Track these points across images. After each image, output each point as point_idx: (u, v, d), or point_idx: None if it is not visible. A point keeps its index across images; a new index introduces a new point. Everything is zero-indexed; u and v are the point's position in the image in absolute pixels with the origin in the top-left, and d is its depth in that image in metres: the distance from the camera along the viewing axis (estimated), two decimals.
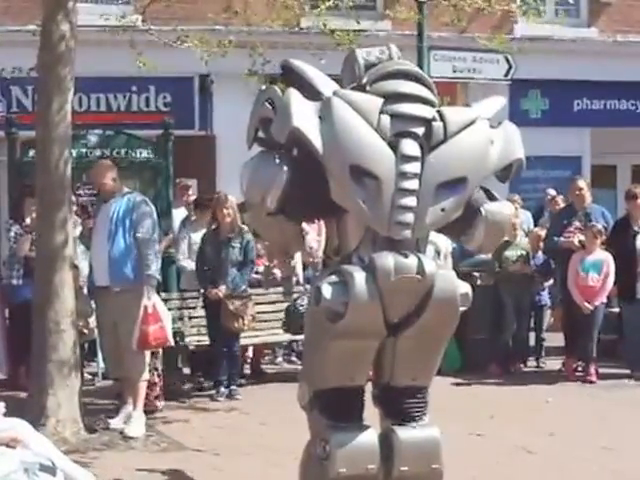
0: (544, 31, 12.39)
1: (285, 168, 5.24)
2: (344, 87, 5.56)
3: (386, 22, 14.13)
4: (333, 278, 5.24)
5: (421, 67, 13.19)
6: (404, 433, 5.39)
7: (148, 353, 8.54)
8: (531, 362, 11.55)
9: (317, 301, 5.22)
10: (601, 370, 10.75)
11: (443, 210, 5.36)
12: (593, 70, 16.11)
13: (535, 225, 13.37)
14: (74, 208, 9.16)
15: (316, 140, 5.13)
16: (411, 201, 5.24)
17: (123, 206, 8.36)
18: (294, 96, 5.18)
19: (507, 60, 14.29)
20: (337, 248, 5.63)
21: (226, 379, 9.76)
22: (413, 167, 5.26)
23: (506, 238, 11.33)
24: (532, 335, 11.61)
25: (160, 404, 9.03)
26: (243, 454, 7.47)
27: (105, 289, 8.34)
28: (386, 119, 5.24)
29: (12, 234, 10.12)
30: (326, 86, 5.34)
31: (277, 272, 10.91)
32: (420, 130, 5.32)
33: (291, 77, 5.55)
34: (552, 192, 13.59)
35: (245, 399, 9.60)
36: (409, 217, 5.26)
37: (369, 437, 5.36)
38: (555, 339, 11.56)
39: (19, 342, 9.38)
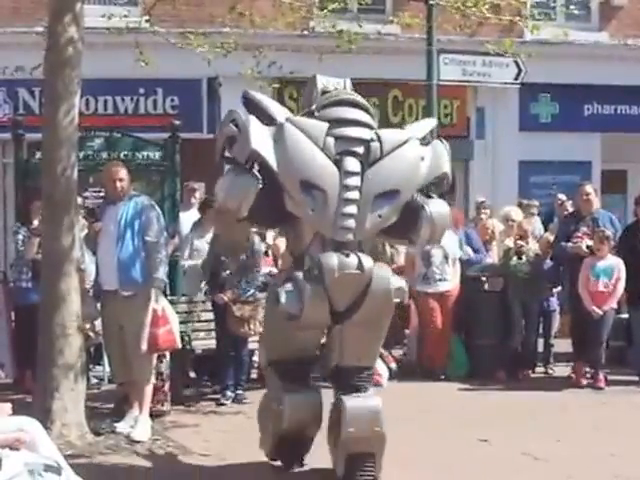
0: (554, 35, 12.32)
1: (257, 181, 6.30)
2: (304, 102, 6.88)
3: (395, 25, 14.09)
4: (289, 287, 6.39)
5: (430, 70, 13.22)
6: (350, 401, 6.55)
7: (154, 357, 8.51)
8: (539, 368, 11.49)
9: (275, 303, 6.43)
10: (609, 376, 10.69)
11: (380, 216, 6.46)
12: (604, 74, 16.05)
13: (546, 230, 13.31)
14: (81, 211, 9.14)
15: (271, 160, 6.23)
16: (353, 209, 6.35)
17: (131, 209, 8.32)
18: (253, 123, 6.27)
19: (517, 64, 14.26)
20: (293, 249, 6.83)
21: (233, 383, 9.72)
22: (354, 180, 6.36)
23: (511, 244, 11.30)
24: (540, 341, 11.54)
25: (165, 408, 9.00)
26: (249, 458, 7.42)
27: (113, 293, 8.30)
28: (331, 141, 6.36)
29: (20, 237, 10.08)
30: (279, 113, 6.47)
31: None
32: (360, 149, 6.43)
33: (251, 105, 6.59)
34: (562, 197, 13.52)
35: (252, 403, 9.54)
36: (351, 223, 6.36)
37: (315, 397, 6.80)
38: (563, 345, 11.51)
39: (25, 345, 9.36)
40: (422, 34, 13.28)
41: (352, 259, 6.33)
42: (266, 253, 10.42)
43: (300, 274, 6.41)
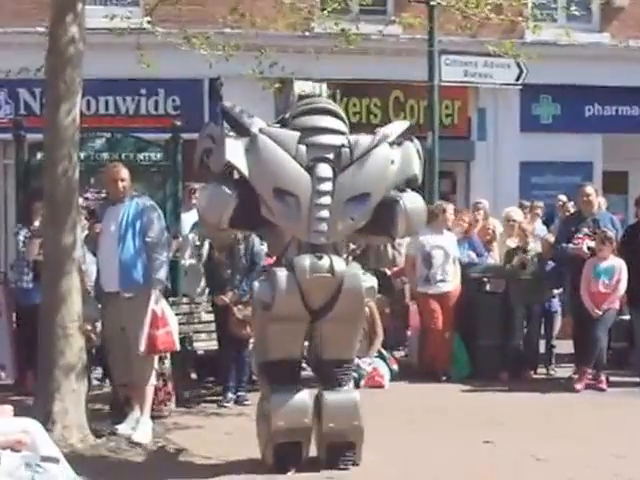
0: (555, 36, 12.32)
1: (234, 196, 6.71)
2: (280, 106, 7.62)
3: (396, 26, 14.08)
4: (262, 277, 7.03)
5: (432, 71, 13.21)
6: (329, 396, 6.99)
7: (156, 358, 8.49)
8: (541, 369, 11.46)
9: (251, 295, 7.06)
10: (611, 378, 10.66)
11: (352, 219, 6.88)
12: (605, 75, 16.05)
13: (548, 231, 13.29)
14: (82, 212, 9.11)
15: (244, 170, 6.70)
16: (325, 214, 6.76)
17: (132, 210, 8.31)
18: (227, 136, 6.76)
19: (518, 65, 14.27)
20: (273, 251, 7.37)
21: (234, 385, 9.70)
22: (326, 186, 6.77)
23: (517, 243, 11.29)
24: (542, 342, 11.52)
25: (166, 409, 8.98)
26: (252, 460, 7.38)
27: (114, 294, 8.27)
28: (303, 148, 6.77)
29: (21, 238, 10.07)
30: (254, 124, 6.85)
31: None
32: (331, 156, 6.83)
33: (228, 117, 7.08)
34: (563, 198, 13.50)
35: (253, 405, 9.51)
36: (324, 226, 6.77)
37: (302, 397, 6.93)
38: (565, 346, 11.48)
39: (26, 346, 9.34)
40: (423, 35, 13.28)
41: (324, 261, 6.76)
42: (268, 255, 10.40)
43: (274, 268, 6.96)
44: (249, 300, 9.50)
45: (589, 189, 11.34)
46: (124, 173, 8.42)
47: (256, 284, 6.93)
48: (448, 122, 16.26)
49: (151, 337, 8.11)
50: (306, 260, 6.74)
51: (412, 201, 7.06)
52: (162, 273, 8.27)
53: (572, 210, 12.36)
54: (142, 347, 8.10)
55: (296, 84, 7.31)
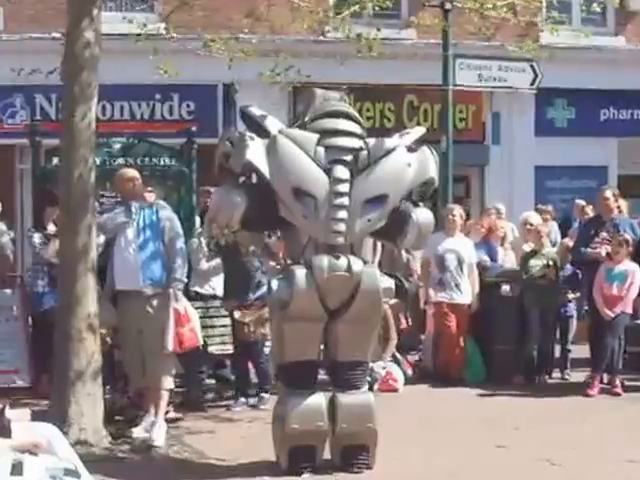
0: (570, 40, 12.30)
1: (245, 198, 6.83)
2: (300, 112, 7.55)
3: (411, 30, 14.12)
4: (280, 276, 7.07)
5: (446, 76, 13.21)
6: (344, 398, 7.06)
7: (174, 362, 8.48)
8: (556, 374, 11.42)
9: (269, 294, 7.08)
10: (627, 382, 10.61)
11: (369, 220, 6.95)
12: (620, 79, 16.03)
13: (563, 235, 13.24)
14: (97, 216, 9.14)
15: (264, 169, 6.80)
16: (343, 214, 6.86)
17: (150, 214, 8.38)
18: (247, 136, 6.85)
19: (533, 69, 14.25)
20: (290, 253, 7.42)
21: (248, 390, 9.68)
22: (344, 187, 6.87)
23: (533, 247, 11.27)
24: (558, 347, 11.48)
25: (171, 413, 8.95)
26: (266, 464, 7.40)
27: (133, 294, 8.25)
28: (321, 150, 6.90)
29: (36, 240, 10.11)
30: (273, 126, 7.02)
31: None
32: (349, 158, 6.96)
33: (247, 119, 7.24)
34: (581, 202, 13.45)
35: (267, 408, 9.52)
36: (342, 227, 6.87)
37: (317, 400, 7.00)
38: (580, 351, 11.45)
39: (42, 349, 9.37)
40: (438, 39, 13.28)
41: (342, 261, 6.86)
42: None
43: (292, 266, 7.05)
44: (254, 303, 9.57)
45: (608, 193, 11.26)
46: (135, 175, 8.47)
47: (274, 282, 7.00)
48: (462, 126, 16.25)
49: (177, 335, 8.18)
50: (324, 259, 6.85)
51: (424, 216, 7.21)
52: (181, 273, 8.33)
53: (591, 214, 12.28)
54: (170, 346, 8.13)
55: (318, 91, 7.43)
